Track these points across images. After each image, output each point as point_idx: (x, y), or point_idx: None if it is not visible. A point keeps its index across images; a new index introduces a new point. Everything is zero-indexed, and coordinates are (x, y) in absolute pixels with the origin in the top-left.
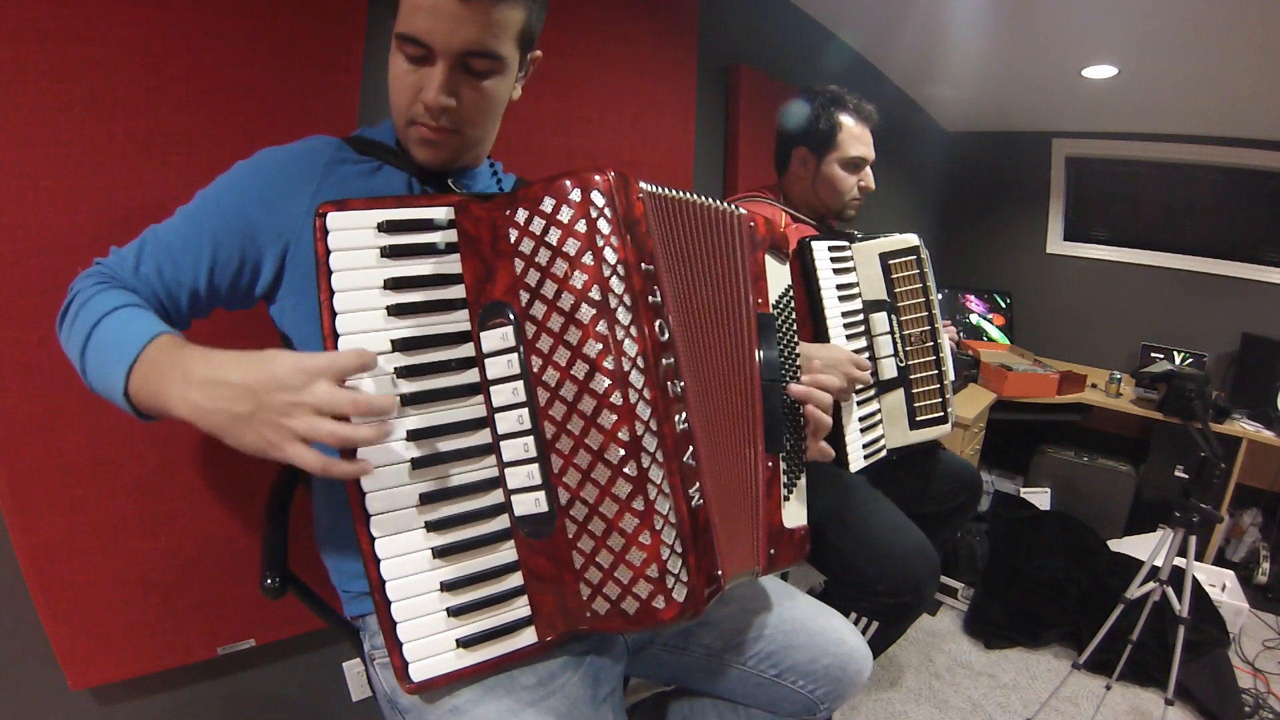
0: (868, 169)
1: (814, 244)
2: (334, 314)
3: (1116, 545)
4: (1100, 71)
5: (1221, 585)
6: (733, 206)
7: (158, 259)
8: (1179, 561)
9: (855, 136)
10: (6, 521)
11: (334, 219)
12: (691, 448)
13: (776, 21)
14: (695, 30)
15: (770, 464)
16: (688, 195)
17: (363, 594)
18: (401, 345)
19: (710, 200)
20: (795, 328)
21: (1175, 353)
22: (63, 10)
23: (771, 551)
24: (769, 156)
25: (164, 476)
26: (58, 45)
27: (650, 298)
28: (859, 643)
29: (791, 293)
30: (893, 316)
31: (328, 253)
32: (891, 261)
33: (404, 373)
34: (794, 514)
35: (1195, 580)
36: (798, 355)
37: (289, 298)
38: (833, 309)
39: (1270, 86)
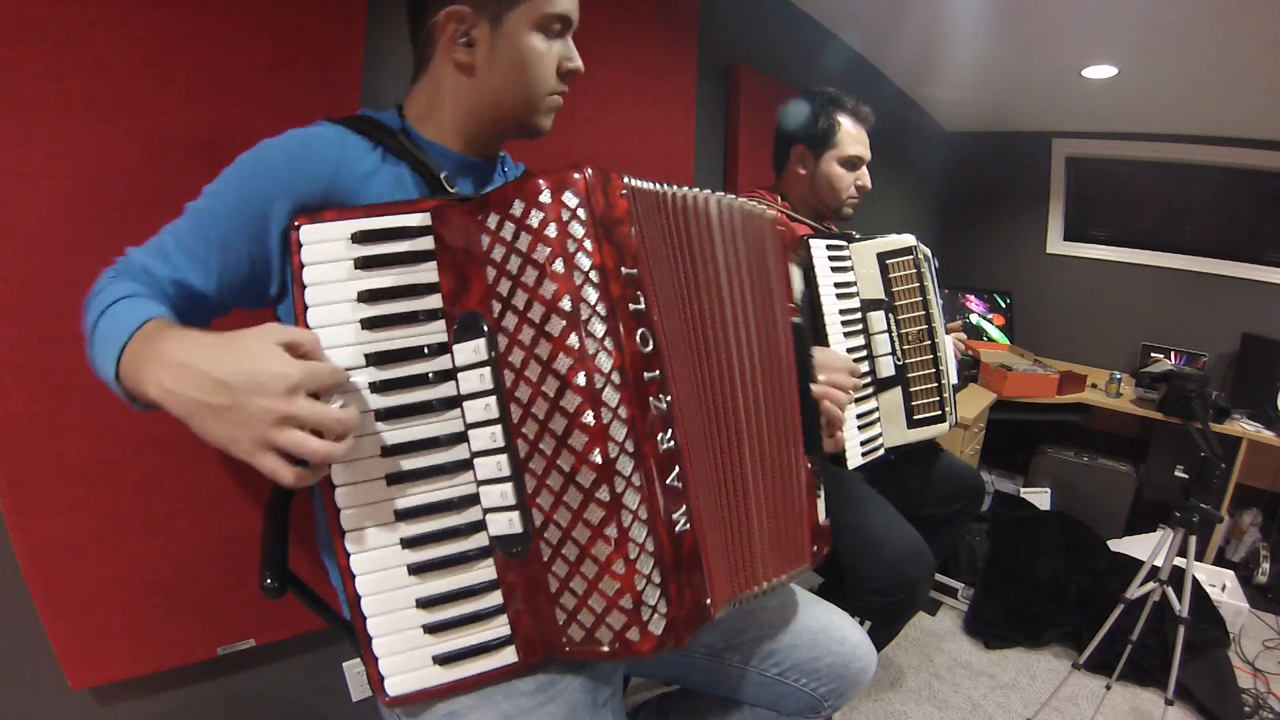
0: (864, 168)
1: (812, 242)
2: (307, 329)
3: (1116, 545)
4: (1100, 71)
5: (1221, 585)
6: (760, 207)
7: (164, 263)
8: (1179, 561)
9: (853, 137)
10: (6, 521)
11: (307, 232)
12: (678, 468)
13: (776, 21)
14: (695, 30)
15: (810, 466)
16: (691, 191)
17: None
18: (375, 359)
19: (729, 197)
20: (809, 329)
21: (1175, 353)
22: (63, 10)
23: (815, 548)
24: (769, 156)
25: (164, 476)
26: (58, 45)
27: (632, 305)
28: (861, 639)
29: (805, 293)
30: (890, 315)
31: (301, 266)
32: (889, 261)
33: (378, 387)
34: (822, 509)
35: (1195, 580)
36: (811, 355)
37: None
38: (830, 307)
39: (1270, 86)
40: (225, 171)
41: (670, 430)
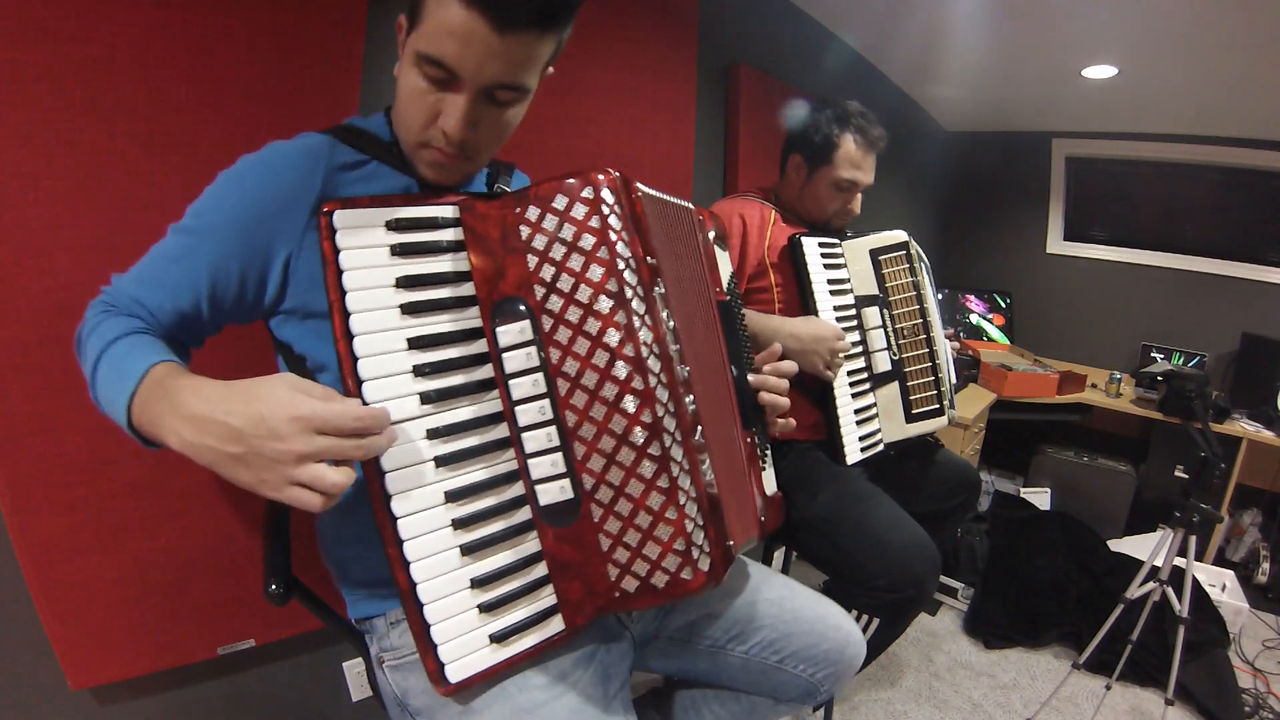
0: (858, 195)
1: (804, 240)
2: (346, 314)
3: (1116, 545)
4: (1100, 71)
5: (1221, 585)
6: (686, 202)
7: (155, 290)
8: (1179, 561)
9: (852, 159)
10: (6, 521)
11: (340, 217)
12: (700, 427)
13: (776, 21)
14: (695, 30)
15: (749, 440)
16: (663, 195)
17: (368, 596)
18: (417, 343)
19: (675, 199)
20: (743, 310)
21: (1175, 353)
22: (63, 10)
23: (763, 518)
24: (769, 156)
25: (164, 476)
26: (58, 45)
27: (656, 289)
28: (852, 627)
29: (735, 278)
30: (885, 311)
31: (336, 251)
32: (881, 257)
33: (421, 371)
34: (770, 482)
35: (1195, 580)
36: (748, 338)
37: (294, 309)
38: (824, 303)
39: (1270, 87)
40: (209, 190)
41: (691, 396)
